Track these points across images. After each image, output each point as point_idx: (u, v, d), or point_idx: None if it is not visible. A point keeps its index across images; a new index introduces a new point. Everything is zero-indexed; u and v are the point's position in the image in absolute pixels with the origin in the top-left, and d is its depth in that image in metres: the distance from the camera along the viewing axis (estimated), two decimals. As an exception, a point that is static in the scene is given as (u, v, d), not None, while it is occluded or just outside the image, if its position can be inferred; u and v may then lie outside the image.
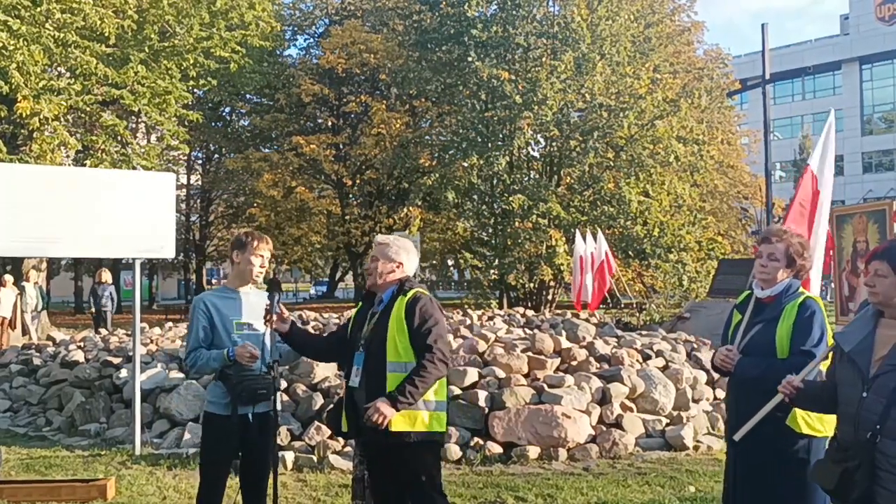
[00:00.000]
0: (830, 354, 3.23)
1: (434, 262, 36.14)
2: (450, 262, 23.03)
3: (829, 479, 2.93)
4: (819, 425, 3.47)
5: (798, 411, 3.40)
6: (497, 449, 6.88)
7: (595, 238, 15.97)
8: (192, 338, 4.17)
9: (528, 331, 9.85)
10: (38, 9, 15.49)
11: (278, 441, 6.98)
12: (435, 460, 3.88)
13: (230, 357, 4.01)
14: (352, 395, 3.98)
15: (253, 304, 4.24)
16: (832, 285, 13.75)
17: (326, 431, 6.89)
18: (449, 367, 3.82)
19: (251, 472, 4.20)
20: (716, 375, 8.40)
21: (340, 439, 6.74)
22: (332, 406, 4.30)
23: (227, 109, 33.87)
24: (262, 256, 4.24)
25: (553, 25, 22.00)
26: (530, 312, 14.91)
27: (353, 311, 4.87)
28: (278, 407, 4.18)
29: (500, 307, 19.76)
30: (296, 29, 33.78)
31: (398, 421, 3.71)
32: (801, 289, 3.64)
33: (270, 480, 5.30)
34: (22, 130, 16.86)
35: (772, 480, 3.48)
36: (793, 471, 3.45)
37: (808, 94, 62.92)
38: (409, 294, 3.87)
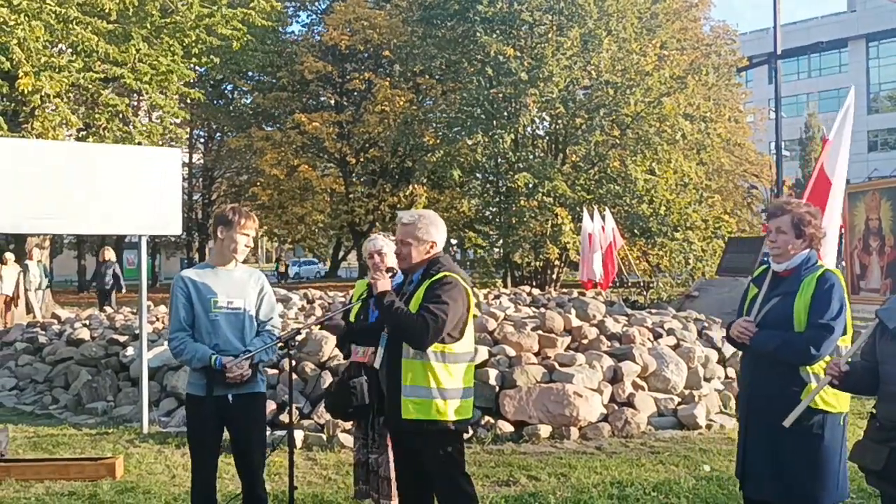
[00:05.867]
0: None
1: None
2: (453, 241, 22.92)
3: (876, 459, 2.82)
4: (834, 401, 3.39)
5: (813, 386, 3.33)
6: (508, 428, 6.83)
7: (603, 217, 15.84)
8: (173, 318, 4.05)
9: (535, 309, 9.77)
10: (39, -17, 15.26)
11: (290, 420, 6.92)
12: (457, 446, 3.75)
13: (217, 366, 3.88)
14: (376, 376, 3.91)
15: (236, 280, 4.12)
16: (843, 263, 13.58)
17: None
18: (430, 338, 3.56)
19: (238, 451, 4.17)
20: (727, 352, 8.36)
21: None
22: (330, 389, 4.18)
23: (230, 87, 33.64)
24: (247, 235, 4.11)
25: (559, 1, 21.70)
26: (536, 291, 14.82)
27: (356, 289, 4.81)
28: (262, 389, 4.16)
29: (505, 286, 19.68)
30: (298, 5, 33.44)
31: (410, 409, 3.62)
32: (819, 262, 3.56)
33: (277, 459, 5.25)
34: (24, 108, 16.66)
35: (786, 456, 3.41)
36: (807, 446, 3.37)
37: (814, 72, 62.48)
38: (436, 277, 3.69)
